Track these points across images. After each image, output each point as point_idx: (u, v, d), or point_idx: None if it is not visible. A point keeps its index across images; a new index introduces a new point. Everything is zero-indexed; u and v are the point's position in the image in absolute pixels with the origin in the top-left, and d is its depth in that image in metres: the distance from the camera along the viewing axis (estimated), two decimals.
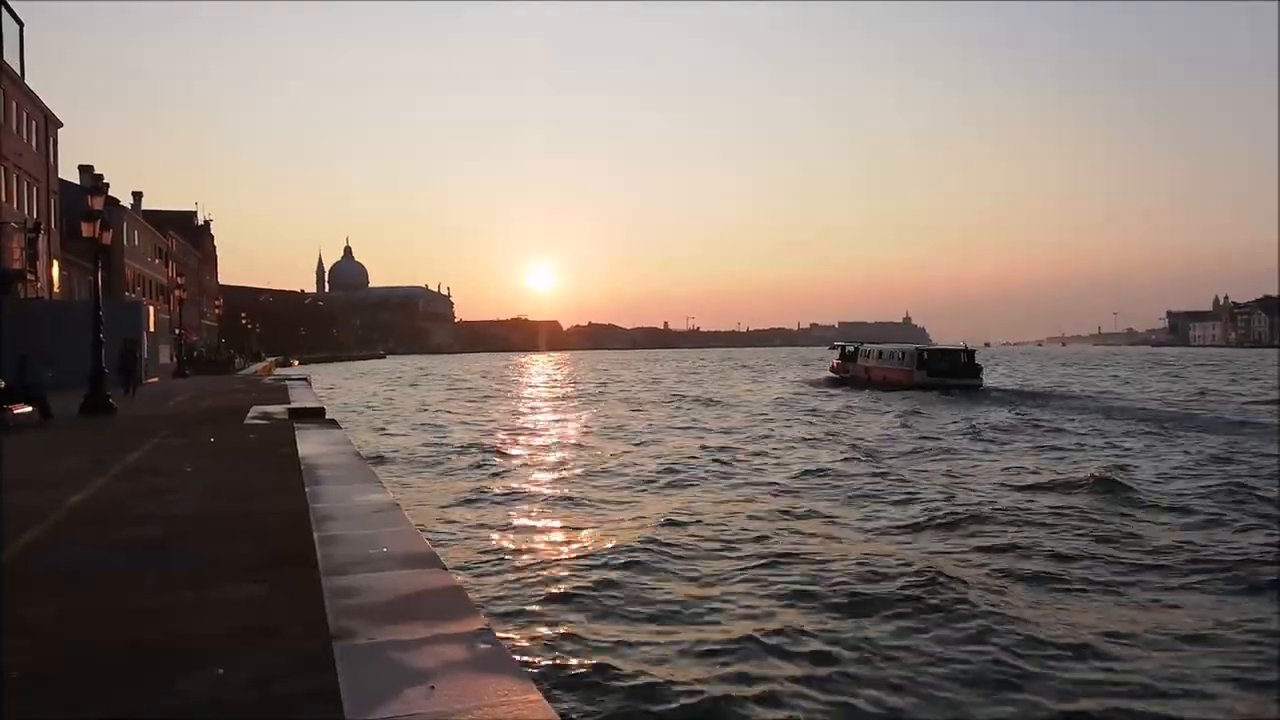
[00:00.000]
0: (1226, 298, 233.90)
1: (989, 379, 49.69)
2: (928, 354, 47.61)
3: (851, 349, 56.79)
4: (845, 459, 20.90)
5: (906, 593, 9.68)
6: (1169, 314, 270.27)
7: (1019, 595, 9.80)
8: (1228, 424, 27.94)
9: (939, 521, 13.63)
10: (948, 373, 45.21)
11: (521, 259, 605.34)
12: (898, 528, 13.45)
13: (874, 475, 18.37)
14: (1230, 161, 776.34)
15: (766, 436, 26.75)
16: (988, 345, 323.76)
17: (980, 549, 11.87)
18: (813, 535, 12.91)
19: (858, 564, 10.97)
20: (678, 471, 19.37)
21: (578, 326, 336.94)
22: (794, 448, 23.59)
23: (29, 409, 15.33)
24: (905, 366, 47.08)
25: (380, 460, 20.92)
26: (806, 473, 18.89)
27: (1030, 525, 13.27)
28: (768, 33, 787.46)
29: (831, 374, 58.28)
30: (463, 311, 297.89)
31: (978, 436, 25.42)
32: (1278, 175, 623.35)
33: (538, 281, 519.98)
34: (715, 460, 21.15)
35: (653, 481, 18.23)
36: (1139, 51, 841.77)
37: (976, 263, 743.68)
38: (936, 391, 42.68)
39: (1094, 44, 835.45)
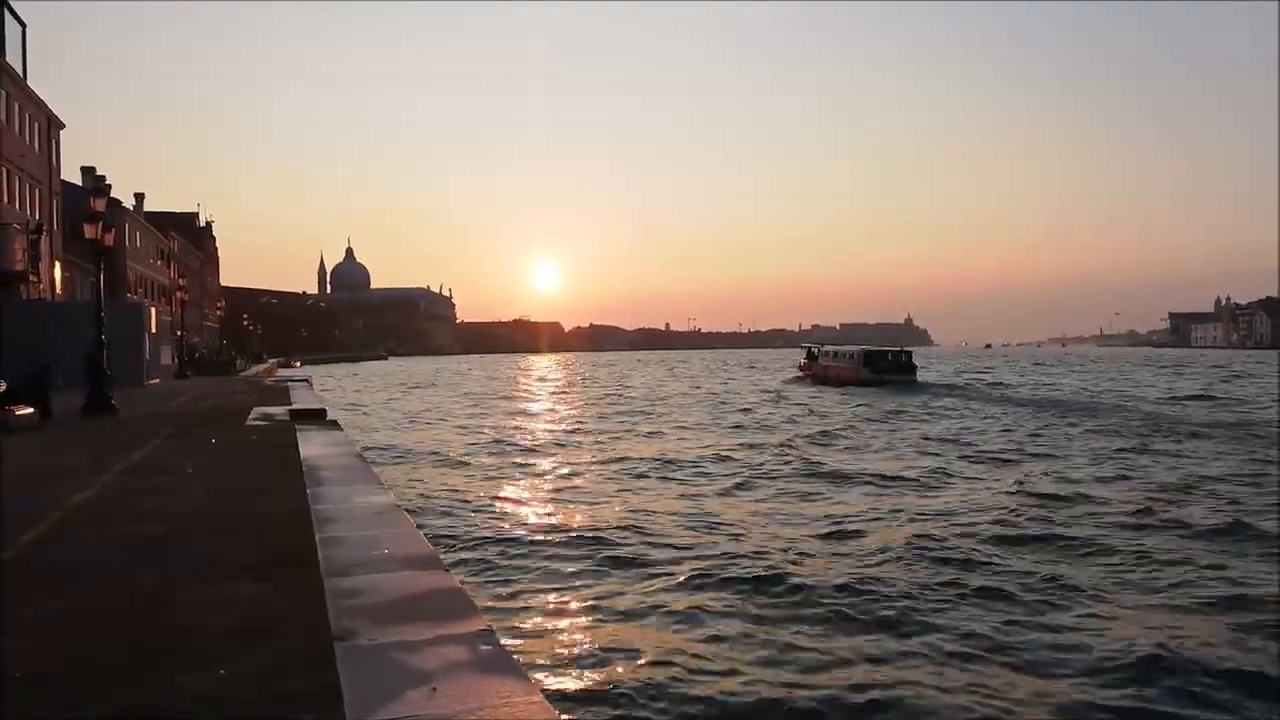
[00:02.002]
0: (1229, 299, 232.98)
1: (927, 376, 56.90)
2: (873, 354, 55.47)
3: (816, 350, 65.10)
4: None
5: None
6: (1171, 315, 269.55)
7: None
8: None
9: None
10: (888, 370, 52.88)
11: (524, 259, 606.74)
12: None
13: None
14: (1232, 161, 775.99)
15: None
16: (988, 347, 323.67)
17: None
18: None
19: None
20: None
21: (579, 328, 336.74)
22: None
23: (30, 410, 15.32)
24: (854, 365, 54.39)
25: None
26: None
27: None
28: (769, 33, 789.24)
29: (799, 372, 65.81)
30: (464, 312, 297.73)
31: None
32: (1278, 175, 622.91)
33: (540, 281, 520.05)
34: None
35: None
36: (1140, 51, 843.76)
37: (978, 262, 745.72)
38: (877, 386, 49.41)
39: (1095, 44, 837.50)
